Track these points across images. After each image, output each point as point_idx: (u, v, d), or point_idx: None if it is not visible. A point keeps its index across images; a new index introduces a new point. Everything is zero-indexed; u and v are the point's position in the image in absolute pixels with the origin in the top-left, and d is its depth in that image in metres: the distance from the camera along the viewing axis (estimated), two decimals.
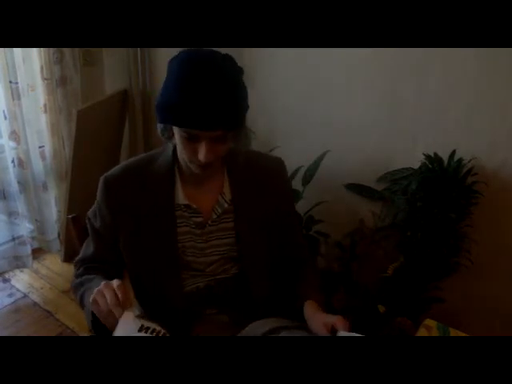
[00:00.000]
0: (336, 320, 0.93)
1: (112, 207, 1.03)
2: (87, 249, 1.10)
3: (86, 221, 1.09)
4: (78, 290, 1.04)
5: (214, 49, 0.91)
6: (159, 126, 0.97)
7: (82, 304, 1.02)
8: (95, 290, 0.86)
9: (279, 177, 1.13)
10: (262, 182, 1.08)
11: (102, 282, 0.87)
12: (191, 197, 1.04)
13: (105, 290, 0.85)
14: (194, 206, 1.03)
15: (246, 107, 0.94)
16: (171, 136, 0.97)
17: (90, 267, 1.07)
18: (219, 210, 1.05)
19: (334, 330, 0.92)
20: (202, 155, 0.90)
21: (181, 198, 1.03)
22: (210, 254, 1.07)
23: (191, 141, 0.91)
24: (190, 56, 0.89)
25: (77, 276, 1.08)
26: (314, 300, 1.04)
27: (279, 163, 1.14)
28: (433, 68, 1.48)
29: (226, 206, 1.05)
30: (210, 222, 1.05)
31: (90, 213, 1.09)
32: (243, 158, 1.08)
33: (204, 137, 0.89)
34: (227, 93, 0.87)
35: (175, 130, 0.93)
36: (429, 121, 1.54)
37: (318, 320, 0.96)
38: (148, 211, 1.03)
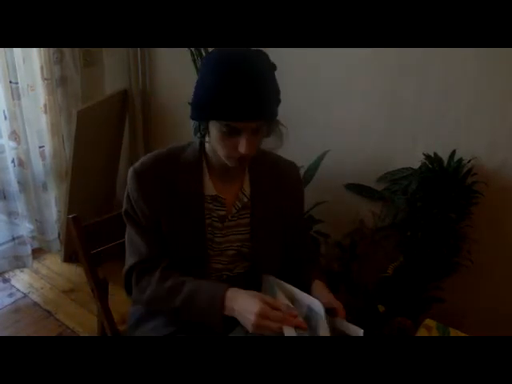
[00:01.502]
0: (336, 306, 0.98)
1: (147, 198, 1.02)
2: (138, 250, 1.04)
3: (125, 219, 1.06)
4: (170, 297, 0.98)
5: None
6: (194, 124, 0.98)
7: (187, 309, 0.97)
8: (254, 312, 0.86)
9: (295, 180, 1.16)
10: (278, 183, 1.11)
11: (259, 304, 0.87)
12: (218, 188, 1.05)
13: (269, 313, 0.86)
14: (223, 197, 1.05)
15: (279, 100, 0.96)
16: (205, 134, 0.98)
17: (165, 268, 1.02)
18: (239, 205, 1.07)
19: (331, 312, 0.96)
20: (243, 148, 0.91)
21: (210, 189, 1.04)
22: (225, 248, 1.08)
23: (231, 135, 0.92)
24: (226, 53, 0.91)
25: (158, 281, 1.00)
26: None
27: (295, 167, 1.17)
28: (433, 68, 1.48)
29: (245, 200, 1.07)
30: (230, 216, 1.06)
31: (126, 209, 1.05)
32: (263, 157, 1.10)
33: (245, 129, 0.90)
34: (264, 84, 0.90)
35: (213, 126, 0.94)
36: (429, 121, 1.54)
37: (322, 297, 1.00)
38: (179, 201, 1.03)
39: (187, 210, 1.03)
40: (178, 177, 1.03)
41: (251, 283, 1.10)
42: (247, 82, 0.87)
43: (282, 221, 1.12)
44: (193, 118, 0.97)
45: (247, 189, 1.08)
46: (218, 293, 0.93)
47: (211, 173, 1.05)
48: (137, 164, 1.05)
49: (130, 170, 1.04)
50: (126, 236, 1.08)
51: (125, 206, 1.06)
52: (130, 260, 1.06)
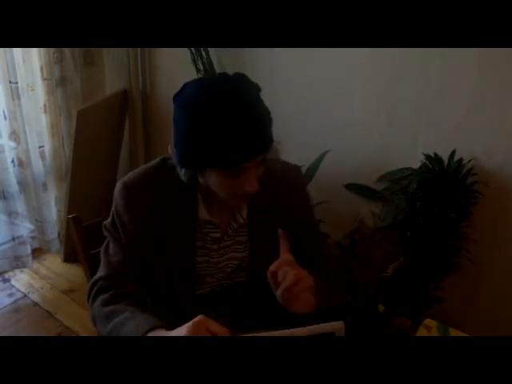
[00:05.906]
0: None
1: (132, 214, 0.97)
2: (108, 264, 1.00)
3: (104, 231, 1.02)
4: (105, 324, 0.93)
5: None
6: (186, 174, 0.90)
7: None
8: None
9: (297, 187, 1.08)
10: (279, 194, 1.04)
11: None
12: (211, 212, 1.00)
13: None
14: (216, 221, 1.00)
15: (272, 120, 0.89)
16: (197, 178, 0.91)
17: (117, 293, 0.97)
18: (234, 226, 1.02)
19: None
20: (250, 186, 0.86)
21: (203, 213, 0.99)
22: (224, 267, 1.05)
23: (236, 176, 0.85)
24: (203, 93, 0.83)
25: (103, 303, 0.95)
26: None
27: (297, 172, 1.10)
28: (433, 68, 1.49)
29: (241, 221, 1.03)
30: (225, 237, 1.03)
31: (107, 223, 1.02)
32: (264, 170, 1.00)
33: (251, 166, 0.85)
34: (257, 111, 0.84)
35: (212, 172, 0.87)
36: (429, 121, 1.55)
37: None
38: (170, 223, 0.98)
39: (178, 234, 0.98)
40: (171, 198, 0.98)
41: (251, 289, 1.09)
42: (241, 117, 0.80)
43: (286, 231, 1.03)
44: (183, 167, 0.89)
45: (244, 208, 1.02)
46: (141, 330, 0.85)
47: (204, 196, 0.99)
48: (126, 178, 0.99)
49: (119, 184, 0.98)
50: (104, 246, 1.03)
51: (109, 219, 1.01)
52: (99, 272, 1.02)
